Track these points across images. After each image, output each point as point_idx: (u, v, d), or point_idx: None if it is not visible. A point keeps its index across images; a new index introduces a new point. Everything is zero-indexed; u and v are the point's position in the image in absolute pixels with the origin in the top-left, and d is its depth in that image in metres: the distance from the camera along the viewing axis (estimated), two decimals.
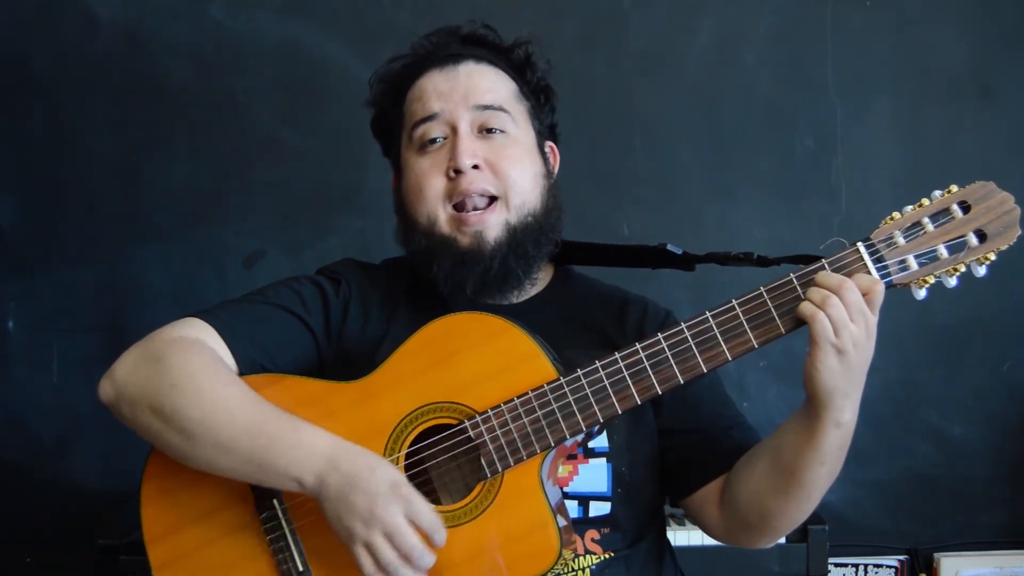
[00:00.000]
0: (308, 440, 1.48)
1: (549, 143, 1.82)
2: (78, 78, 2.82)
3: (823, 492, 1.57)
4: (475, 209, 1.67)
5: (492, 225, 1.66)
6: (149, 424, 1.53)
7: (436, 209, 1.68)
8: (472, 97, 1.71)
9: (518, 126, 1.73)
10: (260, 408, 1.52)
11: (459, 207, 1.67)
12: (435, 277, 1.67)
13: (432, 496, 1.57)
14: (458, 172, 1.66)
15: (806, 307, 1.45)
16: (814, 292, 1.45)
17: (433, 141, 1.70)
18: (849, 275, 1.46)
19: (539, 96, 1.80)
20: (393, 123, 1.79)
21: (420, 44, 1.79)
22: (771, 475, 1.56)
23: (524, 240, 1.68)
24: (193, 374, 1.52)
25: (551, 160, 1.80)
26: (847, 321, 1.43)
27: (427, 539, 1.46)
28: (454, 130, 1.69)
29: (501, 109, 1.72)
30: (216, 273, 2.84)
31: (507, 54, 1.78)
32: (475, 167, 1.67)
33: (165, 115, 2.84)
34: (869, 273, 1.46)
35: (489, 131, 1.70)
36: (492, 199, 1.68)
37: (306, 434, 1.49)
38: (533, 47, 1.79)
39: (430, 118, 1.71)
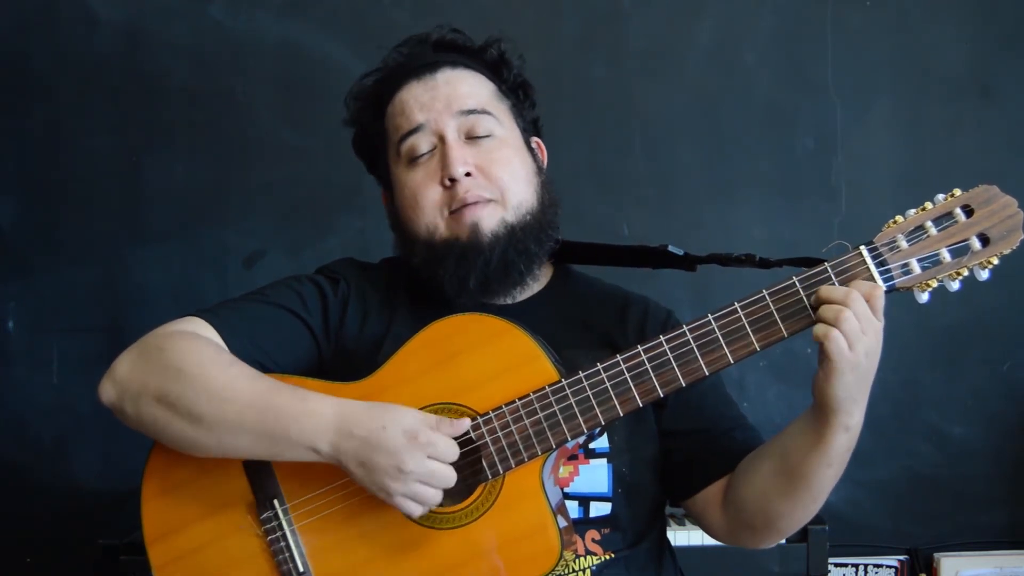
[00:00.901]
0: (315, 408, 1.48)
1: (535, 139, 1.81)
2: (78, 78, 2.82)
3: (828, 493, 1.57)
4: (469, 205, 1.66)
5: (486, 217, 1.65)
6: (155, 416, 1.52)
7: (435, 219, 1.67)
8: (455, 104, 1.69)
9: (503, 127, 1.72)
10: (264, 382, 1.52)
11: (455, 212, 1.67)
12: (442, 281, 1.66)
13: None
14: (452, 181, 1.66)
15: (820, 328, 1.43)
16: (826, 310, 1.44)
17: (422, 154, 1.69)
18: (852, 279, 1.46)
19: (518, 93, 1.79)
20: (375, 140, 1.78)
21: (392, 56, 1.77)
22: (777, 478, 1.56)
23: (525, 238, 1.67)
24: (196, 359, 1.52)
25: (539, 155, 1.80)
26: (860, 334, 1.42)
27: None
28: (441, 139, 1.68)
29: (484, 112, 1.71)
30: (216, 273, 2.84)
31: (480, 55, 1.77)
32: (468, 174, 1.66)
33: (165, 115, 2.83)
34: (872, 277, 1.46)
35: (477, 137, 1.69)
36: (488, 202, 1.67)
37: (313, 402, 1.49)
38: (505, 44, 1.78)
39: (415, 130, 1.70)
